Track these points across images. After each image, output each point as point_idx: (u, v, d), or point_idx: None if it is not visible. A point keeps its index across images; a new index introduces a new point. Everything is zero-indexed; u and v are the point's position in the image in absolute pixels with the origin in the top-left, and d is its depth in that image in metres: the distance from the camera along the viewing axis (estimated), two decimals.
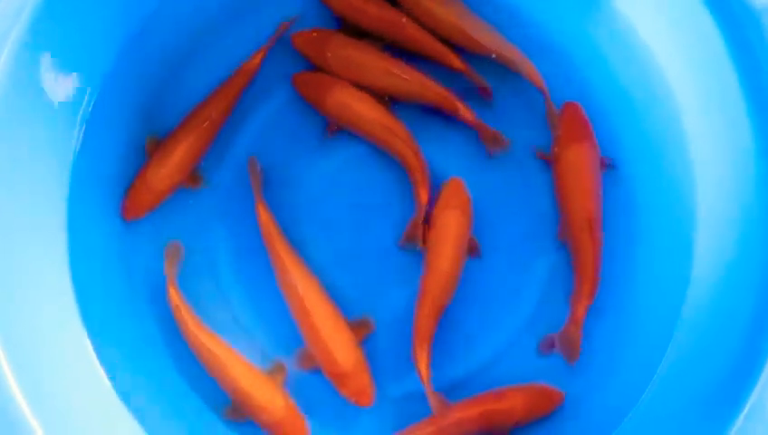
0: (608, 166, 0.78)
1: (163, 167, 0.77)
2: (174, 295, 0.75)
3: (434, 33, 0.79)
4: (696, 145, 0.74)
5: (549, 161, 0.78)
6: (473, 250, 0.77)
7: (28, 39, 0.65)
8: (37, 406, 0.63)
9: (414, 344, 0.73)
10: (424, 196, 0.76)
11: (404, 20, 0.79)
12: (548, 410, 0.74)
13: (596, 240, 0.75)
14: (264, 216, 0.77)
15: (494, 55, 0.78)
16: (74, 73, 0.71)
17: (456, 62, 0.78)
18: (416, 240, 0.76)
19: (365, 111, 0.78)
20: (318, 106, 0.79)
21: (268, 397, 0.74)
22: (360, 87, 0.78)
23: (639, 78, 0.77)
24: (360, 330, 0.76)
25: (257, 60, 0.79)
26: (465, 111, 0.77)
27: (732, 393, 0.61)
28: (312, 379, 0.75)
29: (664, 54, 0.75)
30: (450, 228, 0.75)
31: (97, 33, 0.72)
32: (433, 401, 0.72)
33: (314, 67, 0.80)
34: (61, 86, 0.70)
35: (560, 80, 0.79)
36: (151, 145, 0.78)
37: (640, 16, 0.76)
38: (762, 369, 0.61)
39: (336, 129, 0.79)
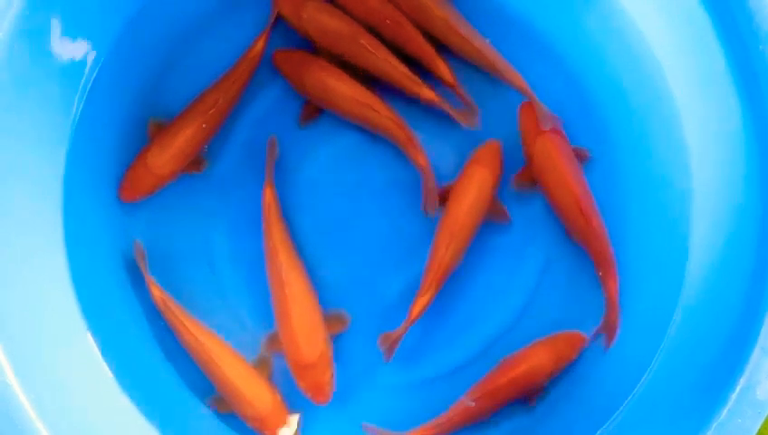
0: (585, 157, 0.78)
1: (165, 151, 0.76)
2: (157, 293, 0.74)
3: (426, 32, 0.78)
4: (690, 136, 0.74)
5: (526, 183, 0.78)
6: (500, 215, 0.78)
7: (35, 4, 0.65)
8: (32, 392, 0.62)
9: (421, 288, 0.74)
10: (421, 159, 0.76)
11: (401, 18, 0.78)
12: (573, 355, 0.75)
13: (593, 223, 0.74)
14: (268, 197, 0.76)
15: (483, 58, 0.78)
16: (78, 42, 0.71)
17: (446, 75, 0.78)
18: (433, 204, 0.76)
19: (341, 88, 0.77)
20: (295, 84, 0.79)
21: (255, 392, 0.73)
22: (330, 54, 0.78)
23: (634, 71, 0.77)
24: (334, 324, 0.76)
25: (260, 44, 0.78)
26: (427, 93, 0.77)
27: (723, 378, 0.63)
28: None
29: (659, 47, 0.75)
30: (474, 180, 0.76)
31: (104, 5, 0.72)
32: (390, 338, 0.73)
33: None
34: (63, 55, 0.70)
35: (550, 71, 0.79)
36: (153, 128, 0.78)
37: (635, 7, 0.76)
38: (750, 355, 0.62)
39: (315, 113, 0.79)
